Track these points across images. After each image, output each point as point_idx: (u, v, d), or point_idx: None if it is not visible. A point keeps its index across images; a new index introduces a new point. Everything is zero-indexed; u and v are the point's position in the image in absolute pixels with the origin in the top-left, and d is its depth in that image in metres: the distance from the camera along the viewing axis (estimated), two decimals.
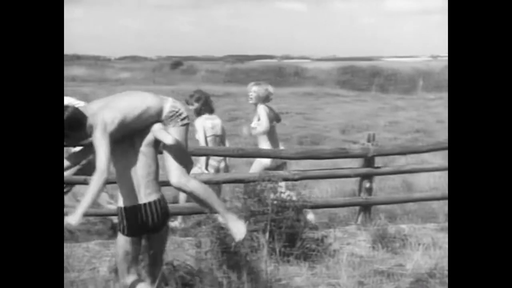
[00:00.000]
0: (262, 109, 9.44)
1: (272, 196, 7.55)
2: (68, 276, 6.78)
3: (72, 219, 4.91)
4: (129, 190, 5.21)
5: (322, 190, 11.14)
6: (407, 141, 19.68)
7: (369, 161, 9.44)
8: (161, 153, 5.42)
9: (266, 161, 9.39)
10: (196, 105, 9.57)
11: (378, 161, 9.73)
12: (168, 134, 5.29)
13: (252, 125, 9.55)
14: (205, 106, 9.60)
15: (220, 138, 9.66)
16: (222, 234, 7.12)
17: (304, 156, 9.48)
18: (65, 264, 7.01)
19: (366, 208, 9.56)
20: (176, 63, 67.36)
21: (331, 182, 11.18)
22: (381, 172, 9.81)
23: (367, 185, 9.50)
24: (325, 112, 29.21)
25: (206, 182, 9.23)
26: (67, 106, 5.10)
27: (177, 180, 5.35)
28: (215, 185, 8.67)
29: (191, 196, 5.48)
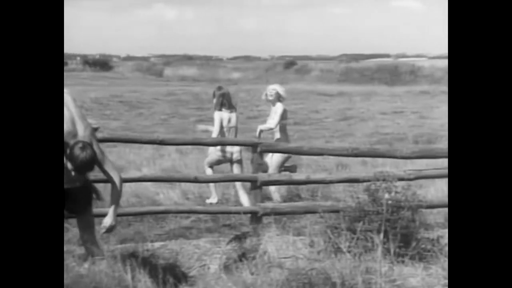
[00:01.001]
0: (279, 108, 10.57)
1: (386, 195, 7.46)
2: (177, 273, 6.90)
3: None
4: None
5: (438, 190, 10.91)
6: None
7: None
8: None
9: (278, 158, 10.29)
10: (215, 100, 10.38)
11: None
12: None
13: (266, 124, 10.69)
14: (225, 102, 10.33)
15: (235, 130, 10.43)
16: (335, 234, 7.07)
17: (420, 156, 9.32)
18: (174, 261, 7.16)
19: None
20: (290, 63, 67.51)
21: (447, 182, 10.93)
22: None
23: None
24: (441, 111, 28.61)
25: (319, 182, 9.33)
26: (85, 147, 5.55)
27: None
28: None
29: None
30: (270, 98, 10.72)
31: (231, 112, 10.30)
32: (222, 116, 10.17)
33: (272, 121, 10.56)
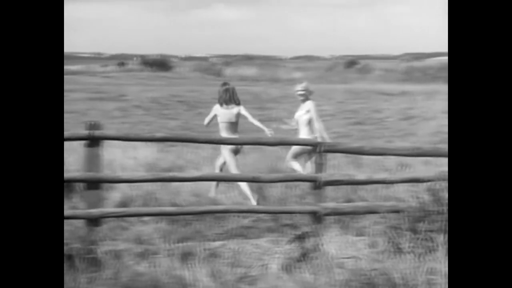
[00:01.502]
0: (312, 104, 11.17)
1: None
2: (237, 272, 6.87)
3: None
4: None
5: None
6: None
7: None
8: None
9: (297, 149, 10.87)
10: (219, 95, 10.78)
11: None
12: None
13: (296, 116, 11.31)
14: (227, 98, 10.65)
15: (234, 125, 10.66)
16: (396, 234, 6.98)
17: None
18: (233, 260, 7.13)
19: None
20: (351, 62, 67.22)
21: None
22: None
23: None
24: None
25: (381, 182, 9.23)
26: None
27: None
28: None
29: None
30: (301, 98, 11.27)
31: (229, 107, 10.57)
32: (218, 110, 10.61)
33: (317, 123, 11.05)
